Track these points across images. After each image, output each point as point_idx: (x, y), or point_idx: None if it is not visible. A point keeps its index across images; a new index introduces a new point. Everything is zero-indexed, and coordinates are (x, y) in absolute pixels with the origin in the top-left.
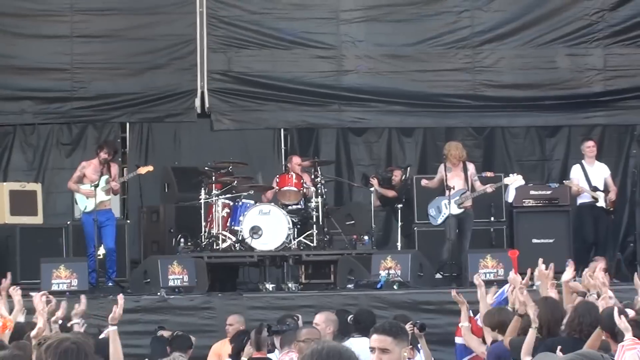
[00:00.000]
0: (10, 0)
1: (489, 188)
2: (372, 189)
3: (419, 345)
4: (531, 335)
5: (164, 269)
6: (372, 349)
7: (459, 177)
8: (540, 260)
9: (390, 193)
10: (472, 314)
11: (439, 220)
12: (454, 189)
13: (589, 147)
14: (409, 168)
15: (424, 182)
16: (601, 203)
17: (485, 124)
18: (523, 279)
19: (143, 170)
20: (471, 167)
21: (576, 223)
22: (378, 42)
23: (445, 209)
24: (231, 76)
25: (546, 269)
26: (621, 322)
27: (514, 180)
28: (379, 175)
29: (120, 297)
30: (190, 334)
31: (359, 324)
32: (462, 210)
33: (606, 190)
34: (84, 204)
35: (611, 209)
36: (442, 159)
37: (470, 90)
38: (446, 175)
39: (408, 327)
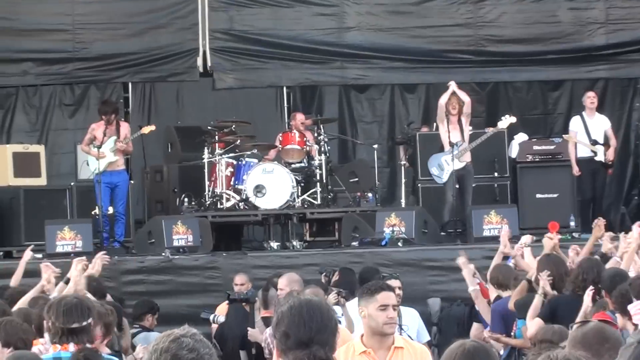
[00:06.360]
0: None
1: (489, 130)
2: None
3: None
4: (537, 301)
5: (168, 229)
6: (385, 307)
7: (456, 130)
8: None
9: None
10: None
11: (445, 178)
12: (457, 145)
13: (589, 97)
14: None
15: None
16: (600, 157)
17: (488, 79)
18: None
19: (146, 129)
20: (466, 121)
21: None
22: None
23: (447, 165)
24: (233, 35)
25: None
26: None
27: (507, 122)
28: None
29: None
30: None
31: (366, 281)
32: (463, 164)
33: (606, 144)
34: (94, 165)
35: (610, 163)
36: (442, 114)
37: (472, 45)
38: (449, 132)
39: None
